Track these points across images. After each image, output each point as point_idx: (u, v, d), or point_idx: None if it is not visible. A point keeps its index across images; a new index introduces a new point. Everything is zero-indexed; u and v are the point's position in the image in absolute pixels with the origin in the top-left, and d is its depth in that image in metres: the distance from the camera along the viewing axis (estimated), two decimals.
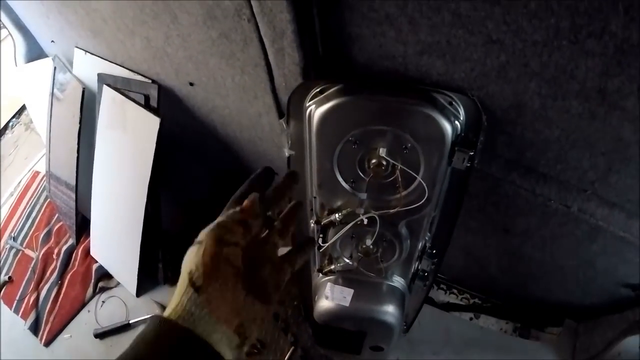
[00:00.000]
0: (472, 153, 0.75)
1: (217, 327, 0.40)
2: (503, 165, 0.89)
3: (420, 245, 0.96)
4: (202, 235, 0.43)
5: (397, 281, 1.05)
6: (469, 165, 0.76)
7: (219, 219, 0.45)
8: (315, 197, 0.86)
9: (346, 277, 1.03)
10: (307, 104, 0.76)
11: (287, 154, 0.86)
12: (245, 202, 0.46)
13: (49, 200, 1.96)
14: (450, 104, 0.72)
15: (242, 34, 0.82)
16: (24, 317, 1.61)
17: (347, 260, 0.98)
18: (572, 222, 0.94)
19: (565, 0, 0.53)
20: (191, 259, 0.42)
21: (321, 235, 0.87)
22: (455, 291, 1.56)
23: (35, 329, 1.58)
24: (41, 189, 2.05)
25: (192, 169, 1.73)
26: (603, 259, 1.03)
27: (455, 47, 0.65)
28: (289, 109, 0.79)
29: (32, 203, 2.00)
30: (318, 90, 0.74)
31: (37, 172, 2.14)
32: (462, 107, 0.73)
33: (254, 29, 0.77)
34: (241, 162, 1.48)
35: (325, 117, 0.72)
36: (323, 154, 0.78)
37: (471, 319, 1.50)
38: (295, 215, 0.52)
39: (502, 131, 0.79)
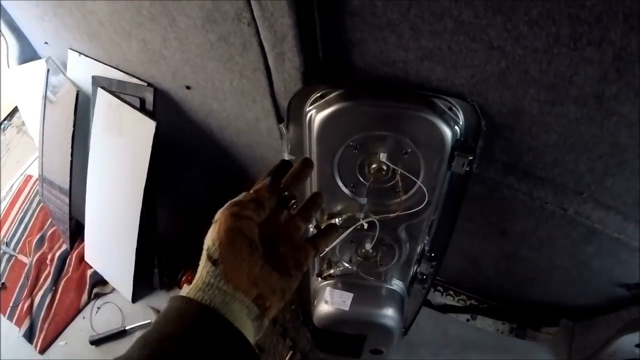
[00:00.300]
0: (471, 158, 0.75)
1: (236, 296, 0.41)
2: (501, 169, 0.89)
3: (419, 248, 0.96)
4: (218, 214, 0.45)
5: (396, 284, 1.06)
6: (468, 169, 0.77)
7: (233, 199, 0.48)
8: None
9: (345, 281, 1.04)
10: (308, 109, 0.76)
11: (287, 159, 0.85)
12: (258, 184, 0.49)
13: (42, 204, 1.94)
14: (450, 109, 0.73)
15: (241, 38, 0.81)
16: (18, 324, 1.59)
17: (347, 265, 0.98)
18: (569, 224, 0.95)
19: (567, 9, 0.53)
20: (208, 237, 0.44)
21: None
22: (451, 293, 1.56)
23: (29, 336, 1.55)
24: (34, 193, 2.02)
25: (188, 173, 1.72)
26: (599, 259, 1.05)
27: (456, 54, 0.65)
28: (289, 114, 0.79)
29: (25, 208, 1.97)
30: (318, 95, 0.74)
31: (30, 176, 2.11)
32: (461, 112, 0.74)
33: (254, 32, 0.77)
34: (238, 166, 1.47)
35: (326, 122, 0.72)
36: (323, 158, 0.78)
37: (468, 320, 1.51)
38: (316, 201, 0.55)
39: (501, 136, 0.80)
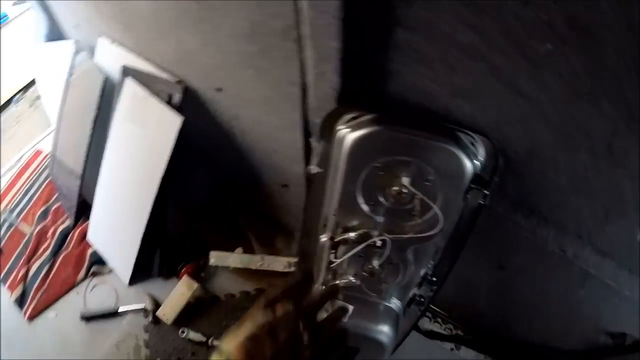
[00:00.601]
0: (486, 192, 0.80)
1: None
2: (509, 205, 0.94)
3: (423, 271, 1.00)
4: (233, 349, 0.44)
5: (394, 303, 1.09)
6: (481, 203, 0.82)
7: (248, 327, 0.46)
8: (334, 215, 0.90)
9: (346, 294, 1.07)
10: (339, 127, 0.81)
11: (313, 172, 0.90)
12: (279, 312, 0.47)
13: (49, 179, 1.95)
14: (472, 144, 0.78)
15: (283, 53, 0.85)
16: (11, 289, 1.59)
17: (351, 278, 1.01)
18: (565, 265, 0.98)
19: (590, 65, 0.59)
20: None
21: (333, 252, 0.91)
22: (439, 320, 1.59)
23: (21, 302, 1.56)
24: (42, 167, 2.02)
25: (198, 173, 1.74)
26: (589, 303, 1.08)
27: (485, 94, 0.71)
28: (322, 130, 0.84)
29: (32, 180, 1.97)
30: (352, 116, 0.79)
31: (40, 151, 2.12)
32: (482, 148, 0.79)
33: (298, 50, 0.81)
34: (250, 170, 1.49)
35: (357, 143, 0.77)
36: (349, 176, 0.82)
37: (452, 349, 1.54)
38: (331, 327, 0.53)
39: (514, 173, 0.84)
